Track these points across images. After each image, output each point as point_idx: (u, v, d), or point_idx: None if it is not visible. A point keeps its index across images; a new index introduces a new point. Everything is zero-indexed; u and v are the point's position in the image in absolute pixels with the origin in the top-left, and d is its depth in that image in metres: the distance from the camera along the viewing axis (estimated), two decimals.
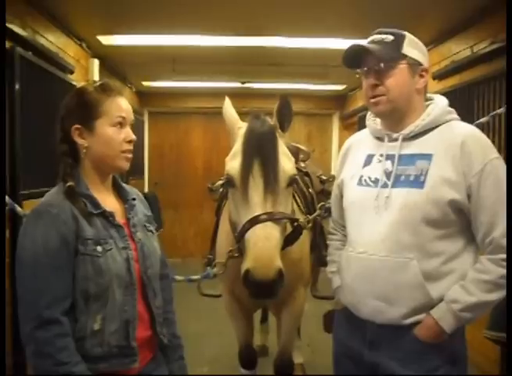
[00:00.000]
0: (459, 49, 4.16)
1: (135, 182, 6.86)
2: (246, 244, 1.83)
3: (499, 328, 2.72)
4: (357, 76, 1.81)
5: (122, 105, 1.63)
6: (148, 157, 8.49)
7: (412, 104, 1.75)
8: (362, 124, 6.89)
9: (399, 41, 1.71)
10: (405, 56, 1.71)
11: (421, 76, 1.75)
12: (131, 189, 1.80)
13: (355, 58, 1.76)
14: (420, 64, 1.74)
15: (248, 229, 1.83)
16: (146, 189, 8.22)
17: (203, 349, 4.26)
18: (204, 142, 8.53)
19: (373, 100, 1.74)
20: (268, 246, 1.78)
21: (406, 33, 1.74)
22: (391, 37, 1.71)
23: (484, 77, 3.76)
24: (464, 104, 3.79)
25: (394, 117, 1.76)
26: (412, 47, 1.73)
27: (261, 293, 1.80)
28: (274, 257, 1.77)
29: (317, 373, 3.81)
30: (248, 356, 2.87)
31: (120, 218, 1.64)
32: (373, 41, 1.73)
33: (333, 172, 8.04)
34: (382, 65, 1.69)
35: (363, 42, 1.74)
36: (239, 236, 1.89)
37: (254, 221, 1.83)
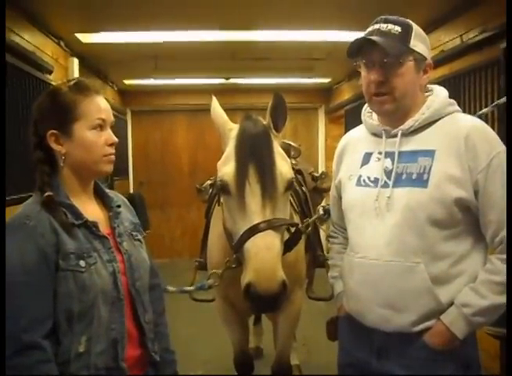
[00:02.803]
0: (448, 38, 4.07)
1: (120, 182, 6.74)
2: (246, 255, 1.73)
3: (500, 324, 2.66)
4: (358, 69, 1.69)
5: (101, 105, 1.50)
6: (132, 157, 8.37)
7: (414, 100, 1.65)
8: (348, 118, 6.83)
9: (407, 33, 1.60)
10: (412, 51, 1.60)
11: (425, 72, 1.65)
12: (115, 196, 1.67)
13: (359, 48, 1.64)
14: (425, 59, 1.64)
15: (247, 238, 1.73)
16: (132, 190, 8.12)
17: (196, 352, 4.17)
18: (189, 140, 8.44)
19: (377, 99, 1.63)
20: (270, 256, 1.69)
21: (412, 23, 1.63)
22: (398, 29, 1.59)
23: (474, 66, 3.68)
24: (455, 94, 3.71)
25: (396, 115, 1.66)
26: (419, 40, 1.62)
27: (264, 307, 1.73)
28: (276, 268, 1.68)
29: (314, 373, 3.73)
30: (244, 363, 2.76)
31: (104, 228, 1.51)
32: (379, 32, 1.60)
33: (320, 167, 8.02)
34: (389, 60, 1.57)
35: (371, 32, 1.61)
36: (238, 246, 1.79)
37: (254, 230, 1.73)
